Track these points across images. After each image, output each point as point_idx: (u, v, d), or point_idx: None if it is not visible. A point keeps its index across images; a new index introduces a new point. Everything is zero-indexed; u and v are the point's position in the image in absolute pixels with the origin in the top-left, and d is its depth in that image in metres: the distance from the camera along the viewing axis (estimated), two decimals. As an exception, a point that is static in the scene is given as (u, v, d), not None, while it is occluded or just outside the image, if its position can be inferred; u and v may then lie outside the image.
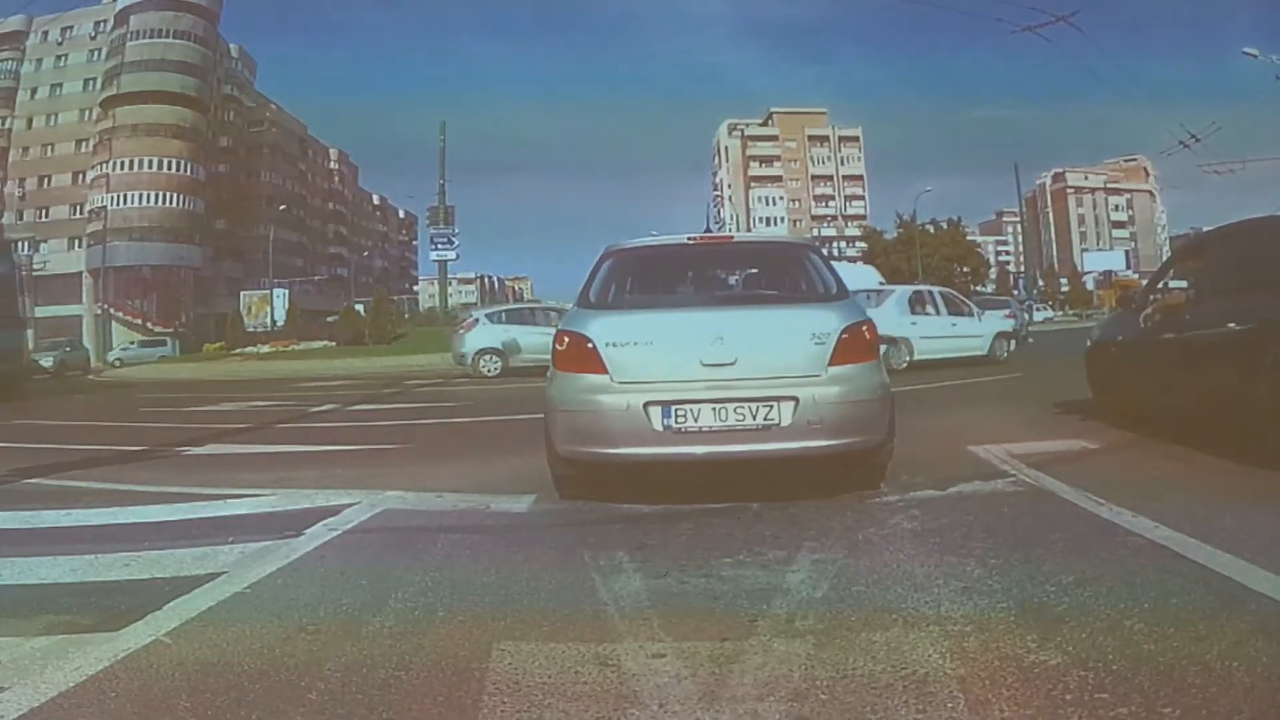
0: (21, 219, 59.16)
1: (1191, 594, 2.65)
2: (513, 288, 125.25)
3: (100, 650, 2.47)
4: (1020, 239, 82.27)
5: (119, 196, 57.83)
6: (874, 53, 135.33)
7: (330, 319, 40.99)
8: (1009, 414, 7.76)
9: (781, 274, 5.33)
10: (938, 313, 14.83)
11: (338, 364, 21.42)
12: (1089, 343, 7.71)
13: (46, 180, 61.55)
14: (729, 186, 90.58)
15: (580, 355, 4.23)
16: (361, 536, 3.94)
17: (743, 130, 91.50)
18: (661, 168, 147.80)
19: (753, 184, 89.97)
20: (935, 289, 16.76)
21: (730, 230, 65.66)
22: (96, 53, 62.23)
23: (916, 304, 14.78)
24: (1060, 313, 64.13)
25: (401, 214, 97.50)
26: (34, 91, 63.24)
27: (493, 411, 9.83)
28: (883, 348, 14.45)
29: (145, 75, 59.54)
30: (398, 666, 2.33)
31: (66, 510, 4.64)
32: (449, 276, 49.51)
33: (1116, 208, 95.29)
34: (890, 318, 13.20)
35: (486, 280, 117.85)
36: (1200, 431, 5.38)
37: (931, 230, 66.37)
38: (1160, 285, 6.84)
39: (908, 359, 13.84)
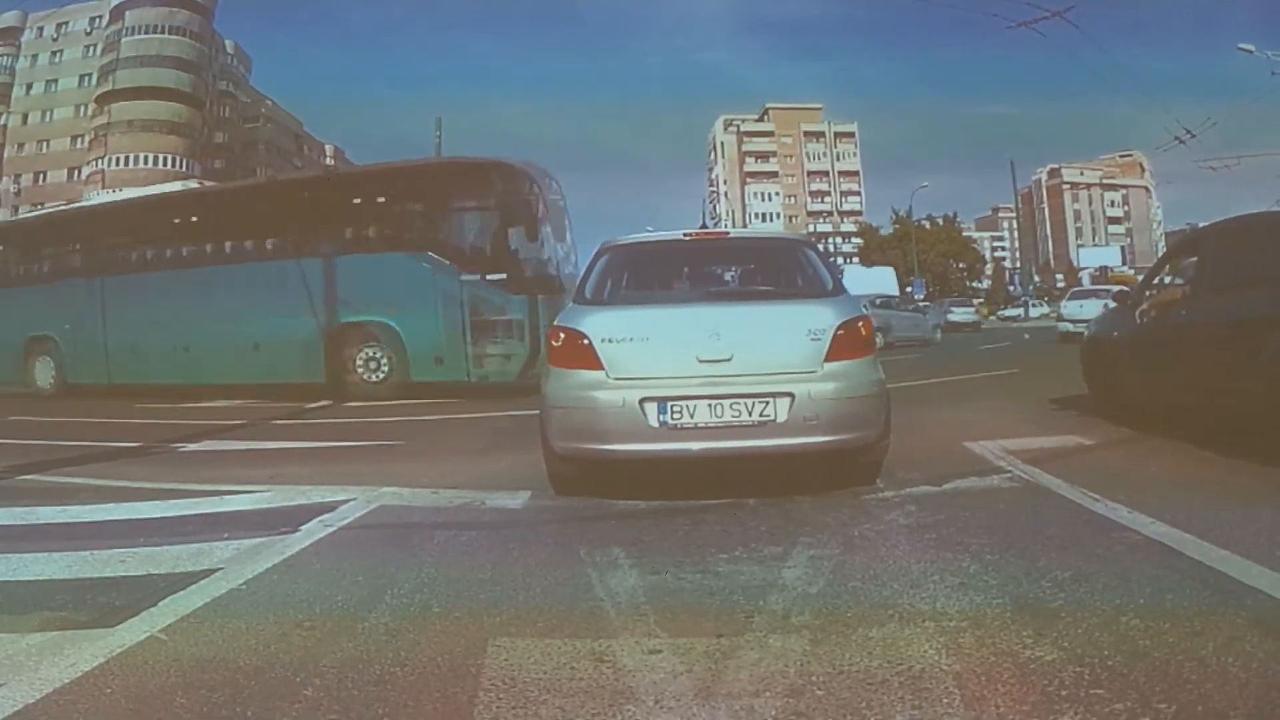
0: (16, 215, 58.97)
1: (1187, 590, 2.66)
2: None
3: (95, 646, 2.46)
4: (1016, 235, 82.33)
5: (114, 192, 57.43)
6: (870, 49, 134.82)
7: None
8: (1005, 410, 7.77)
9: (778, 270, 5.32)
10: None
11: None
12: (1085, 338, 7.72)
13: (42, 176, 61.34)
14: (725, 182, 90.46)
15: (576, 351, 4.22)
16: (357, 533, 3.93)
17: (738, 126, 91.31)
18: (657, 163, 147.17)
19: (748, 180, 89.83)
20: (1117, 288, 22.01)
21: (726, 226, 65.78)
22: (92, 48, 62.06)
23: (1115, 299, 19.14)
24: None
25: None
26: (29, 87, 63.10)
27: (488, 408, 9.82)
28: None
29: (140, 71, 59.45)
30: (393, 663, 2.33)
31: (62, 506, 4.63)
32: (446, 273, 49.44)
33: (1112, 203, 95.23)
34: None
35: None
36: (1196, 427, 5.39)
37: (927, 226, 66.52)
38: (1156, 281, 6.86)
39: None
